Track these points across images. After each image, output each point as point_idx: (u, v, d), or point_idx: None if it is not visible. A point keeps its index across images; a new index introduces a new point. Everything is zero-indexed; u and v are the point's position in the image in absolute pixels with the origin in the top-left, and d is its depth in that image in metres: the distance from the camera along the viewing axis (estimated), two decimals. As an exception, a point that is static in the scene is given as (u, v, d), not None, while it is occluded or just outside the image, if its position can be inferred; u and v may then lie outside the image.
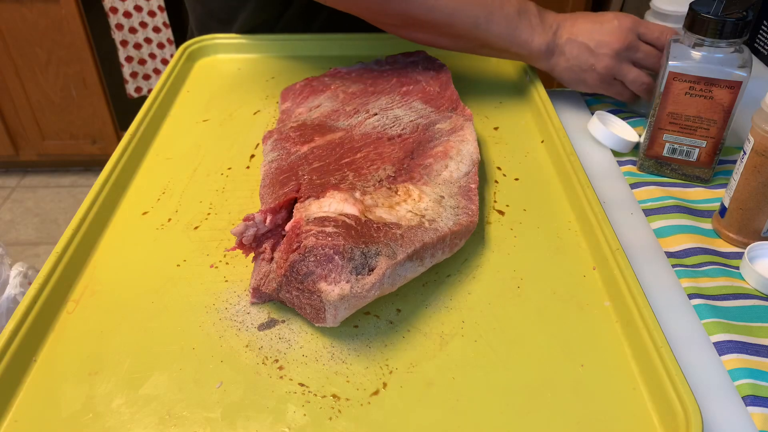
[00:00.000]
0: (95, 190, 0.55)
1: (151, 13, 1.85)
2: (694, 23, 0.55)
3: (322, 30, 0.84)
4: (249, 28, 0.83)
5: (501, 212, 0.56)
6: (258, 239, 0.47)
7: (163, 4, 1.83)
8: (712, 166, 0.60)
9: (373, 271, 0.42)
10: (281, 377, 0.41)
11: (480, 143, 0.60)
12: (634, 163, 0.65)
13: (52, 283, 0.46)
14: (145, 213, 0.56)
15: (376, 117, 0.61)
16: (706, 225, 0.56)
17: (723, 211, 0.54)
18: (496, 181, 0.60)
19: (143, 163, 0.62)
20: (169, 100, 0.72)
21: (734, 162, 0.64)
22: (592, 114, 0.69)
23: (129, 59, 1.94)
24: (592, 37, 0.66)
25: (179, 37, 1.91)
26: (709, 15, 0.54)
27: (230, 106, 0.72)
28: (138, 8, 1.84)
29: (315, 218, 0.44)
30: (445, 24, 0.65)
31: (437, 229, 0.47)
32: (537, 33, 0.66)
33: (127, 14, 1.85)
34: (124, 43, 1.90)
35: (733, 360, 0.44)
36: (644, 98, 0.69)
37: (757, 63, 0.85)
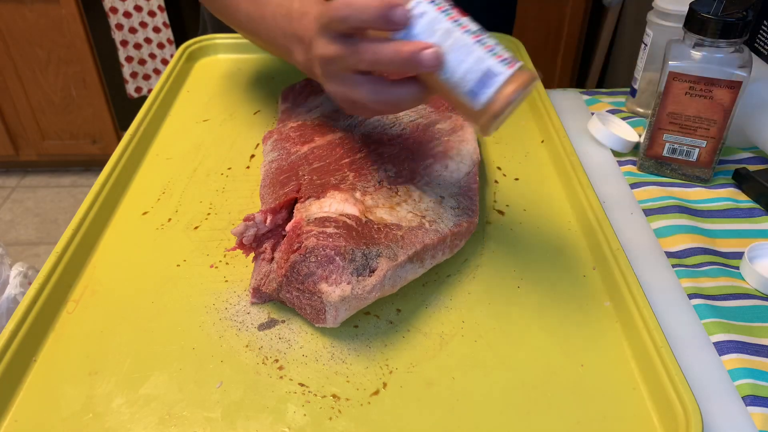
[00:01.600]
0: (95, 190, 0.55)
1: (151, 13, 1.85)
2: (694, 23, 0.55)
3: None
4: None
5: (501, 212, 0.56)
6: (258, 239, 0.47)
7: (163, 4, 1.83)
8: (712, 166, 0.60)
9: (373, 272, 0.42)
10: (281, 377, 0.41)
11: (480, 143, 0.60)
12: (634, 163, 0.65)
13: (52, 283, 0.46)
14: (145, 213, 0.56)
15: (375, 117, 0.61)
16: (706, 225, 0.56)
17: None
18: (496, 181, 0.60)
19: (143, 163, 0.62)
20: (169, 100, 0.72)
21: (735, 162, 0.65)
22: (592, 114, 0.69)
23: (129, 59, 1.94)
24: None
25: (179, 37, 1.91)
26: (709, 15, 0.54)
27: (230, 106, 0.72)
28: (138, 8, 1.84)
29: (316, 219, 0.44)
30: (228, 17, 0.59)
31: (438, 230, 0.47)
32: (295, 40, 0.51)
33: (127, 14, 1.85)
34: (124, 43, 1.90)
35: (733, 360, 0.44)
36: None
37: (757, 63, 0.85)
